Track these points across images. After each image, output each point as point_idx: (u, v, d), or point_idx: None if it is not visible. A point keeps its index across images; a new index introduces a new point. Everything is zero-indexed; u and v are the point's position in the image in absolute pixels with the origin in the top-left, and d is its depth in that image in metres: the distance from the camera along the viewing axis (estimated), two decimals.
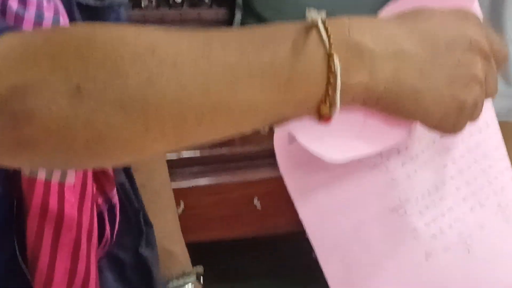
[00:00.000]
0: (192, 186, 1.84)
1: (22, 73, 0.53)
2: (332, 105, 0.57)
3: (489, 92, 0.61)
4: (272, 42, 0.56)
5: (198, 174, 1.86)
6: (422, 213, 0.64)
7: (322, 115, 0.57)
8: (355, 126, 0.60)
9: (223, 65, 0.55)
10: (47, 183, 0.72)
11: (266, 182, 1.91)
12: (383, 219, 0.63)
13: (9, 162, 0.57)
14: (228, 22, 2.41)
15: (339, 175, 0.63)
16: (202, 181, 1.87)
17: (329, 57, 0.56)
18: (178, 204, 1.51)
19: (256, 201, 1.90)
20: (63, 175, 0.73)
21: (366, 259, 0.64)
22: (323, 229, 0.64)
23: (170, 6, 2.41)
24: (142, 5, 2.35)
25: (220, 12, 2.45)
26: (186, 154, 1.83)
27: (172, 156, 1.74)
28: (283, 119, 0.59)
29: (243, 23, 2.36)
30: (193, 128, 0.55)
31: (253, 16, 2.34)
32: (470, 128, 0.62)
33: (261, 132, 2.01)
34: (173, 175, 1.07)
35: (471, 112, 0.61)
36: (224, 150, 1.85)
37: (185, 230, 1.05)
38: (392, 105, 0.59)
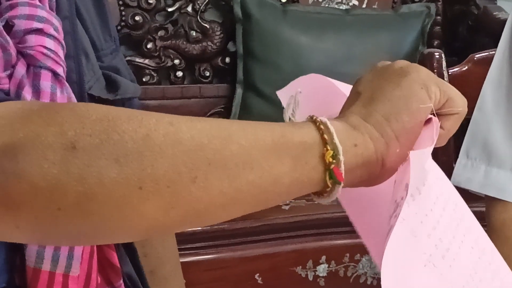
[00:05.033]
0: (193, 261, 1.83)
1: (16, 131, 0.53)
2: (335, 149, 0.58)
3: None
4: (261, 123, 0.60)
5: (199, 250, 1.85)
6: None
7: (330, 166, 0.58)
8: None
9: (217, 124, 0.57)
10: (52, 274, 0.71)
11: (267, 257, 1.90)
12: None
13: None
14: (229, 98, 2.43)
15: None
16: (203, 257, 1.85)
17: (311, 118, 0.60)
18: None
19: (257, 277, 1.88)
20: (68, 266, 0.72)
21: None
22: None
23: (171, 82, 2.44)
24: (144, 81, 2.37)
25: (221, 88, 2.47)
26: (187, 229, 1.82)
27: None
28: (284, 185, 0.58)
29: (243, 98, 2.38)
30: (187, 186, 0.54)
31: (254, 92, 2.36)
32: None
33: None
34: None
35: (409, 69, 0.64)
36: (225, 225, 1.84)
37: None
38: (397, 121, 0.61)
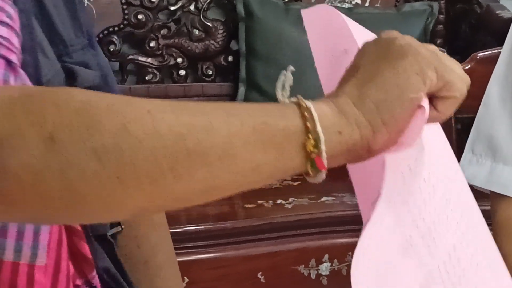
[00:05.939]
0: (196, 260, 1.83)
1: None
2: (316, 139, 0.57)
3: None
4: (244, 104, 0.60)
5: (202, 248, 1.85)
6: None
7: (312, 155, 0.57)
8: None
9: (198, 110, 0.56)
10: (15, 264, 0.70)
11: (269, 256, 1.90)
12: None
13: None
14: (232, 96, 2.43)
15: None
16: (206, 255, 1.85)
17: (297, 101, 0.59)
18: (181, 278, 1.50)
19: (259, 275, 1.89)
20: (33, 256, 0.70)
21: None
22: None
23: (174, 80, 2.44)
24: (146, 79, 2.38)
25: (223, 87, 2.47)
26: (189, 228, 1.82)
27: (176, 230, 1.74)
28: (266, 172, 0.58)
29: (246, 97, 2.38)
30: (168, 178, 0.54)
31: (256, 90, 2.37)
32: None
33: (265, 205, 1.99)
34: (176, 249, 1.06)
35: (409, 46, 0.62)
36: (227, 224, 1.84)
37: None
38: (386, 113, 0.60)
